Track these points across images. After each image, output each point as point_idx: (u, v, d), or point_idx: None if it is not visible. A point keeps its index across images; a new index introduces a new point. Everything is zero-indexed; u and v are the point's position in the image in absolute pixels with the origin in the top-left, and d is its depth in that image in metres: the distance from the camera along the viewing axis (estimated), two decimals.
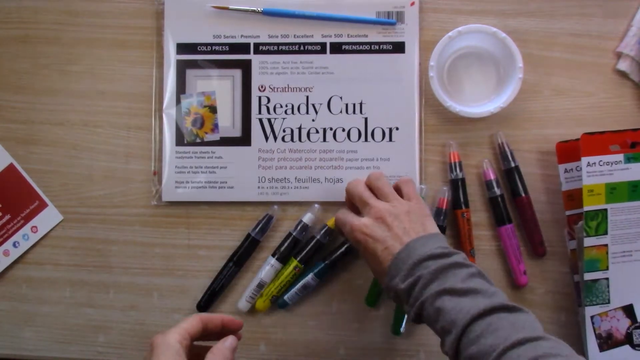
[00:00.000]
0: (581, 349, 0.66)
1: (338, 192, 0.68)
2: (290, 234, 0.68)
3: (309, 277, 0.68)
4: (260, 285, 0.68)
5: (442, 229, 0.67)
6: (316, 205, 0.69)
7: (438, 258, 0.54)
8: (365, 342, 0.69)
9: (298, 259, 0.68)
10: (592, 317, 0.64)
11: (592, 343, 0.64)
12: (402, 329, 0.68)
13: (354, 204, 0.62)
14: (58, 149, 0.71)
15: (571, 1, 0.69)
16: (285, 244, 0.68)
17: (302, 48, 0.70)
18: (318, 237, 0.68)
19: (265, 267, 0.68)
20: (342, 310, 0.69)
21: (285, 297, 0.68)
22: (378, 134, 0.69)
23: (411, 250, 0.55)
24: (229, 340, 0.52)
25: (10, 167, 0.71)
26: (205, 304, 0.69)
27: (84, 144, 0.71)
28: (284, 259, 0.68)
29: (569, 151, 0.66)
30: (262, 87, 0.70)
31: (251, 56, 0.70)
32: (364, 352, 0.69)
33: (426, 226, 0.58)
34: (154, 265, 0.70)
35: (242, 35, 0.70)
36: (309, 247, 0.68)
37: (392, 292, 0.56)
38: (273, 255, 0.68)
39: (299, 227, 0.68)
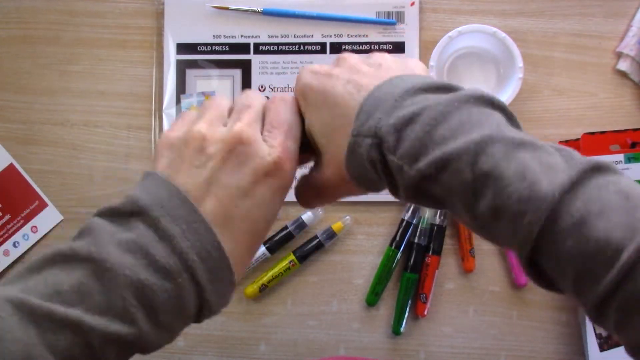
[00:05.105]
0: (581, 349, 0.66)
1: None
2: (286, 227, 0.68)
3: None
4: None
5: (442, 229, 0.67)
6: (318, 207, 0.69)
7: (444, 91, 0.37)
8: (365, 342, 0.69)
9: (296, 255, 0.68)
10: None
11: (592, 343, 0.64)
12: (402, 329, 0.68)
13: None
14: (58, 149, 0.71)
15: (571, 1, 0.69)
16: (279, 236, 0.68)
17: (302, 48, 0.70)
18: (320, 237, 0.68)
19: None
20: (342, 310, 0.69)
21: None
22: None
23: (399, 82, 0.38)
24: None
25: (10, 167, 0.71)
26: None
27: (84, 144, 0.71)
28: (273, 250, 0.68)
29: None
30: (262, 87, 0.70)
31: (251, 56, 0.70)
32: (364, 352, 0.69)
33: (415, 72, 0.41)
34: None
35: (242, 35, 0.70)
36: (310, 245, 0.68)
37: (362, 149, 0.36)
38: (264, 244, 0.68)
39: (296, 223, 0.68)
